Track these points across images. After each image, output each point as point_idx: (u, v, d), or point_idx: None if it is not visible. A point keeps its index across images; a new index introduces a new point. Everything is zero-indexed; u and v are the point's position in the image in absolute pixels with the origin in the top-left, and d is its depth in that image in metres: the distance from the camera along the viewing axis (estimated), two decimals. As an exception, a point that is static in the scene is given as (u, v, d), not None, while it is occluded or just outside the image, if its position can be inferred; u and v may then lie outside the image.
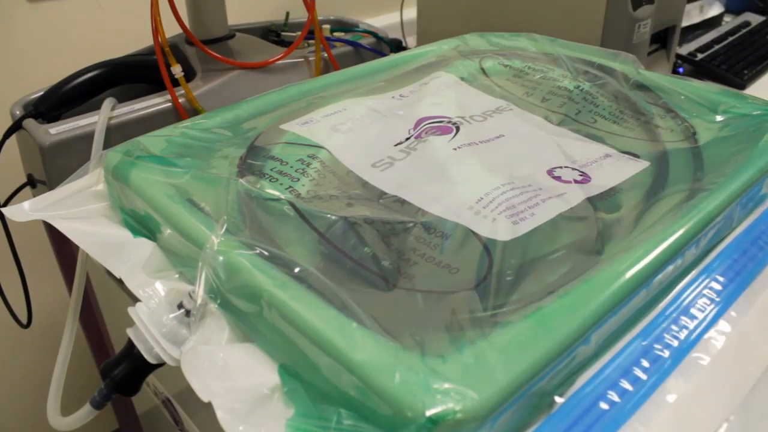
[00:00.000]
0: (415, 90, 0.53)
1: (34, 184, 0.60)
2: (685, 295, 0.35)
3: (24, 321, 0.63)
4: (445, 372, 0.25)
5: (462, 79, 0.55)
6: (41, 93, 0.61)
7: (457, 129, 0.46)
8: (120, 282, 0.35)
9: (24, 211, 0.40)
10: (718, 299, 0.36)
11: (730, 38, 1.01)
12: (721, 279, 0.37)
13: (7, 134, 0.58)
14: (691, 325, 0.34)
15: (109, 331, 0.70)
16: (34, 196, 0.43)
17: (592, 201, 0.38)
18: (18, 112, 0.59)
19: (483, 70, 0.57)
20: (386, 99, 0.51)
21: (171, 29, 0.63)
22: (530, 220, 0.36)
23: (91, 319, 0.69)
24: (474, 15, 0.82)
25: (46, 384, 0.41)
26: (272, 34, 0.79)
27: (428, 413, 0.24)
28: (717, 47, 0.97)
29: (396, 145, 0.44)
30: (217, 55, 0.64)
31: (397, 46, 0.80)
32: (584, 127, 0.48)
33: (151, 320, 0.32)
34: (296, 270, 0.31)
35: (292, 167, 0.41)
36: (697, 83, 0.53)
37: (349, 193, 0.39)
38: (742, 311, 0.35)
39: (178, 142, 0.44)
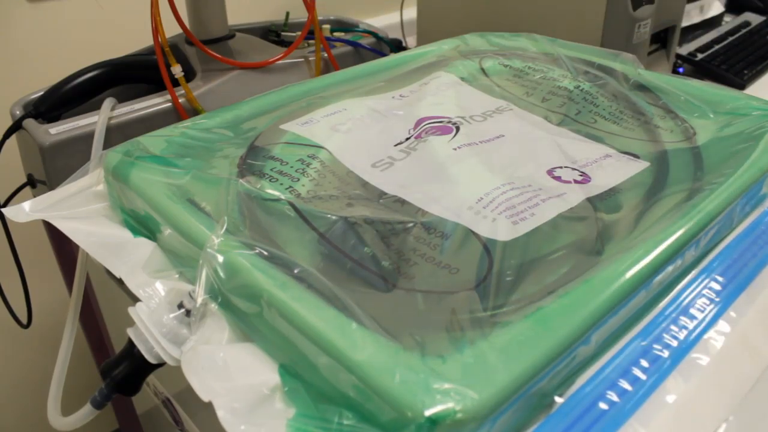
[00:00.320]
0: (415, 90, 0.53)
1: (34, 184, 0.60)
2: (684, 295, 0.35)
3: (24, 321, 0.63)
4: (445, 372, 0.25)
5: (462, 79, 0.55)
6: (41, 93, 0.61)
7: (457, 129, 0.46)
8: (120, 282, 0.35)
9: (24, 211, 0.40)
10: (717, 299, 0.36)
11: (730, 38, 1.01)
12: (720, 279, 0.37)
13: (7, 134, 0.58)
14: (691, 325, 0.34)
15: (109, 331, 0.70)
16: (34, 196, 0.43)
17: (592, 201, 0.38)
18: (18, 112, 0.59)
19: (483, 70, 0.57)
20: (386, 99, 0.51)
21: (171, 29, 0.63)
22: (530, 220, 0.36)
23: (91, 319, 0.69)
24: (474, 15, 0.82)
25: (46, 384, 0.41)
26: (272, 34, 0.79)
27: (428, 413, 0.24)
28: (717, 47, 0.97)
29: (396, 145, 0.44)
30: (217, 55, 0.64)
31: (397, 46, 0.80)
32: (584, 127, 0.48)
33: (152, 320, 0.32)
34: (296, 270, 0.31)
35: (292, 167, 0.41)
36: (697, 83, 0.53)
37: (349, 193, 0.39)
38: (742, 311, 0.35)
39: (178, 142, 0.44)
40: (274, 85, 0.54)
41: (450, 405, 0.24)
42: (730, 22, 1.09)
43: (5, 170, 0.66)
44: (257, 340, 0.31)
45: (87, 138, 0.55)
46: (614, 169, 0.42)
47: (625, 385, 0.30)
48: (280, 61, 0.68)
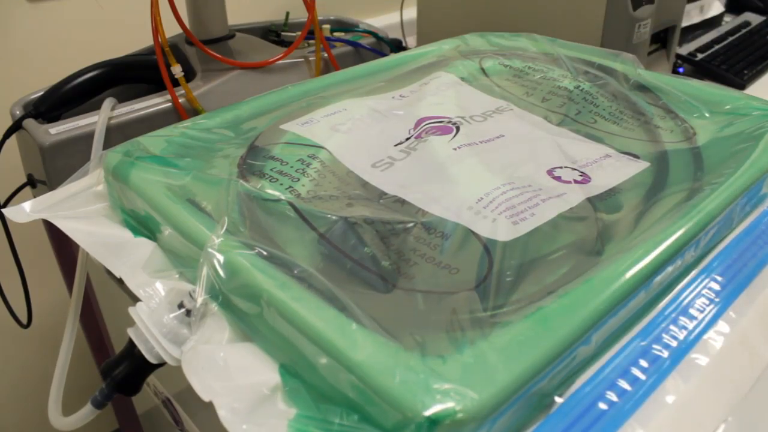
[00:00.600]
0: (415, 90, 0.53)
1: (34, 184, 0.60)
2: (684, 296, 0.35)
3: (24, 321, 0.63)
4: (445, 372, 0.25)
5: (462, 79, 0.55)
6: (41, 93, 0.61)
7: (457, 129, 0.46)
8: (120, 282, 0.36)
9: (24, 211, 0.40)
10: (717, 299, 0.36)
11: (730, 38, 1.01)
12: (720, 279, 0.37)
13: (7, 134, 0.58)
14: (690, 325, 0.34)
15: (109, 331, 0.70)
16: (34, 196, 0.43)
17: (592, 201, 0.38)
18: (18, 112, 0.59)
19: (483, 70, 0.57)
20: (386, 99, 0.51)
21: (171, 29, 0.63)
22: (530, 221, 0.36)
23: (91, 319, 0.69)
24: (474, 15, 0.82)
25: (46, 384, 0.41)
26: (272, 34, 0.79)
27: (428, 413, 0.24)
28: (717, 47, 0.97)
29: (396, 145, 0.44)
30: (217, 55, 0.64)
31: (397, 46, 0.80)
32: (584, 128, 0.48)
33: (152, 320, 0.32)
34: (296, 270, 0.31)
35: (292, 167, 0.41)
36: (697, 83, 0.53)
37: (349, 193, 0.39)
38: (741, 312, 0.35)
39: (178, 142, 0.44)
40: (274, 85, 0.54)
41: (450, 405, 0.24)
42: (730, 22, 1.09)
43: (5, 170, 0.66)
44: (257, 340, 0.31)
45: (87, 138, 0.55)
46: (614, 169, 0.42)
47: (625, 385, 0.30)
48: (280, 61, 0.68)
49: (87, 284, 0.44)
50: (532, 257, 0.33)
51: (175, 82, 0.61)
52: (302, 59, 0.70)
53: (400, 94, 0.52)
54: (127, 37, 0.73)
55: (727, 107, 0.49)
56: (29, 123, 0.57)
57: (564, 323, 0.28)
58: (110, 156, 0.42)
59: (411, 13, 0.96)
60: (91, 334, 0.71)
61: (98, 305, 0.68)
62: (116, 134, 0.57)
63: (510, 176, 0.40)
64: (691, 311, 0.35)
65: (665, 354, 0.32)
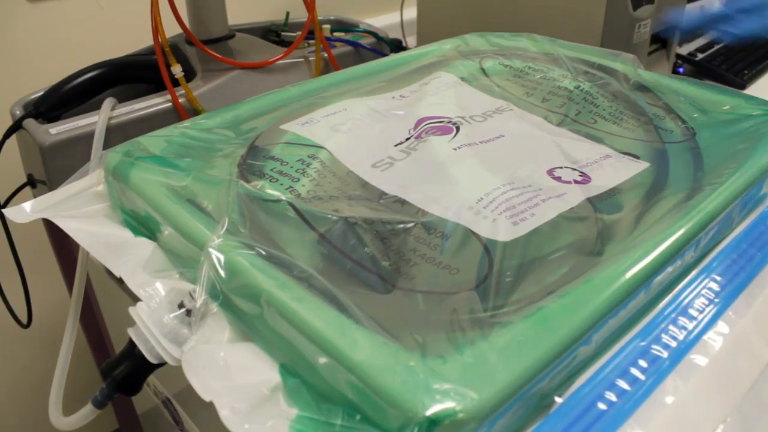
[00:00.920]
0: (415, 90, 0.53)
1: (34, 184, 0.60)
2: (683, 296, 0.35)
3: (24, 321, 0.63)
4: (445, 372, 0.25)
5: (462, 79, 0.55)
6: (41, 93, 0.61)
7: (457, 129, 0.46)
8: (120, 282, 0.36)
9: (25, 212, 0.40)
10: (716, 300, 0.36)
11: (730, 38, 1.01)
12: (720, 279, 0.37)
13: (7, 134, 0.58)
14: (690, 325, 0.34)
15: (109, 331, 0.70)
16: (35, 196, 0.43)
17: (592, 201, 0.38)
18: (18, 112, 0.59)
19: (483, 70, 0.57)
20: (386, 99, 0.51)
21: (171, 29, 0.63)
22: (530, 221, 0.36)
23: (91, 319, 0.69)
24: (474, 15, 0.82)
25: (46, 384, 0.41)
26: (272, 34, 0.79)
27: (428, 413, 0.24)
28: (717, 47, 0.97)
29: (396, 146, 0.44)
30: (217, 55, 0.64)
31: (397, 46, 0.80)
32: (584, 128, 0.48)
33: (152, 320, 0.32)
34: (296, 271, 0.31)
35: (292, 167, 0.41)
36: (697, 83, 0.53)
37: (349, 193, 0.39)
38: (741, 312, 0.35)
39: (178, 142, 0.44)
40: (274, 85, 0.54)
41: (450, 405, 0.24)
42: (730, 22, 1.09)
43: (5, 170, 0.66)
44: (258, 340, 0.31)
45: (87, 138, 0.55)
46: (614, 169, 0.42)
47: (624, 385, 0.30)
48: (280, 61, 0.68)
49: (87, 284, 0.44)
50: (532, 257, 0.33)
51: (175, 82, 0.61)
52: (302, 59, 0.70)
53: (400, 94, 0.52)
54: (127, 37, 0.73)
55: (727, 107, 0.49)
56: (29, 123, 0.57)
57: (564, 323, 0.28)
58: (110, 156, 0.42)
59: (411, 13, 0.96)
60: (91, 334, 0.72)
61: (98, 305, 0.68)
62: (116, 134, 0.57)
63: (510, 176, 0.40)
64: (691, 311, 0.35)
65: (665, 354, 0.32)
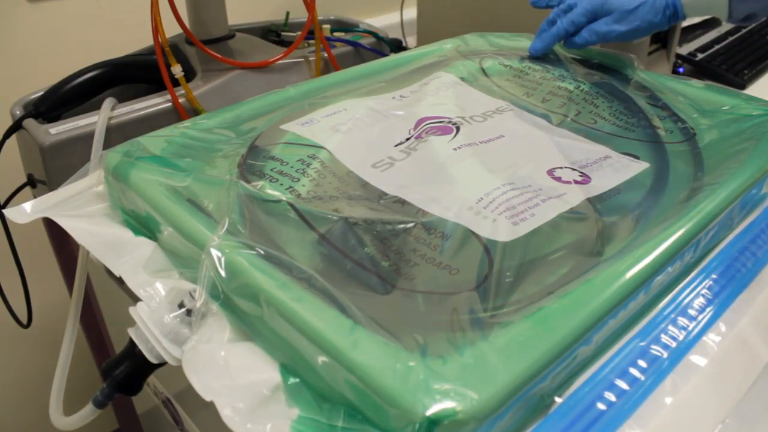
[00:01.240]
0: (415, 90, 0.53)
1: (34, 184, 0.60)
2: (683, 296, 0.35)
3: (24, 321, 0.63)
4: (445, 372, 0.25)
5: (462, 79, 0.55)
6: (41, 93, 0.61)
7: (458, 129, 0.46)
8: (120, 282, 0.36)
9: (25, 212, 0.41)
10: (716, 300, 0.36)
11: (730, 38, 1.01)
12: (719, 279, 0.37)
13: (7, 134, 0.58)
14: (689, 326, 0.34)
15: (109, 331, 0.70)
16: (35, 196, 0.43)
17: (592, 202, 0.38)
18: (18, 112, 0.59)
19: (483, 70, 0.57)
20: (386, 99, 0.51)
21: (171, 29, 0.63)
22: (530, 221, 0.36)
23: (91, 319, 0.69)
24: (474, 15, 0.82)
25: (46, 384, 0.41)
26: (272, 34, 0.79)
27: (428, 413, 0.24)
28: (717, 47, 0.97)
29: (396, 146, 0.44)
30: (217, 55, 0.64)
31: (397, 46, 0.80)
32: (584, 128, 0.48)
33: (153, 320, 0.32)
34: (296, 271, 0.31)
35: (292, 167, 0.41)
36: (697, 83, 0.53)
37: (349, 193, 0.39)
38: (740, 313, 0.36)
39: (178, 142, 0.44)
40: (274, 85, 0.54)
41: (450, 405, 0.24)
42: (729, 22, 1.09)
43: (5, 170, 0.66)
44: (258, 340, 0.31)
45: (87, 138, 0.55)
46: (614, 169, 0.42)
47: (623, 385, 0.30)
48: (280, 61, 0.68)
49: (87, 284, 0.44)
50: (532, 257, 0.34)
51: (175, 82, 0.61)
52: (302, 59, 0.70)
53: (401, 94, 0.52)
54: (127, 36, 0.73)
55: (727, 107, 0.49)
56: (29, 123, 0.57)
57: (564, 323, 0.28)
58: (110, 156, 0.42)
59: (411, 13, 0.96)
60: (91, 334, 0.71)
61: (98, 305, 0.68)
62: (116, 134, 0.57)
63: (510, 176, 0.40)
64: (690, 312, 0.35)
65: (664, 354, 0.32)
